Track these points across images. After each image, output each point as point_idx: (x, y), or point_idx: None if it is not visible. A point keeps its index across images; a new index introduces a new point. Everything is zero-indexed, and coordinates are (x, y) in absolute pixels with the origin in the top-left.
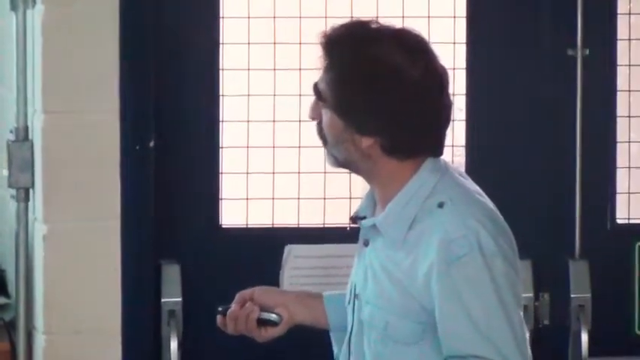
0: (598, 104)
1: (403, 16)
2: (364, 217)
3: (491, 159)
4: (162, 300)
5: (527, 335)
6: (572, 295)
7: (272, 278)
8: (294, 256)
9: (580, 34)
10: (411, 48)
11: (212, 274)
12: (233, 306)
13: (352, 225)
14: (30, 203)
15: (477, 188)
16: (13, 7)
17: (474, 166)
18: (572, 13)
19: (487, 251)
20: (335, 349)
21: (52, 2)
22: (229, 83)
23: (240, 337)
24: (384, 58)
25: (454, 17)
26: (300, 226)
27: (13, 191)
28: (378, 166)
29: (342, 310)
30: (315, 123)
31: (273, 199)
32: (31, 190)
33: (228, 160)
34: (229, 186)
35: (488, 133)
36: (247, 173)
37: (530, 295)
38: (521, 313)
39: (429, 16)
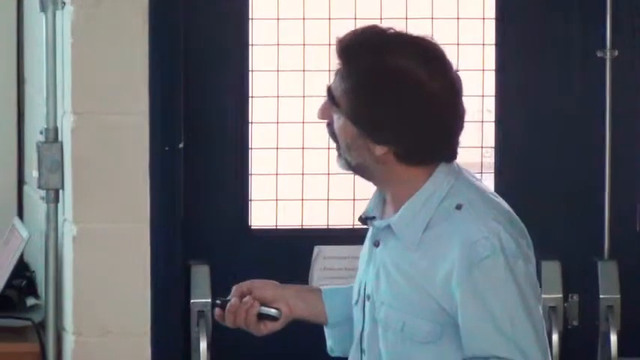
0: (627, 105)
1: (432, 18)
2: (373, 218)
3: (520, 160)
4: (192, 301)
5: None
6: (601, 296)
7: (301, 279)
8: (324, 257)
9: (609, 36)
10: (429, 58)
11: (241, 275)
12: (232, 299)
13: (362, 226)
14: (60, 204)
15: (490, 189)
16: (43, 8)
17: (503, 167)
18: (601, 15)
19: (509, 252)
20: (329, 342)
21: (81, 3)
22: (259, 84)
23: (269, 337)
24: (402, 69)
25: (483, 19)
26: (330, 227)
27: (43, 192)
28: (392, 172)
29: (341, 306)
30: (325, 124)
31: (302, 200)
32: (60, 191)
33: (258, 162)
34: (259, 187)
35: (517, 134)
36: (277, 174)
37: (560, 296)
38: (541, 312)
39: (458, 18)
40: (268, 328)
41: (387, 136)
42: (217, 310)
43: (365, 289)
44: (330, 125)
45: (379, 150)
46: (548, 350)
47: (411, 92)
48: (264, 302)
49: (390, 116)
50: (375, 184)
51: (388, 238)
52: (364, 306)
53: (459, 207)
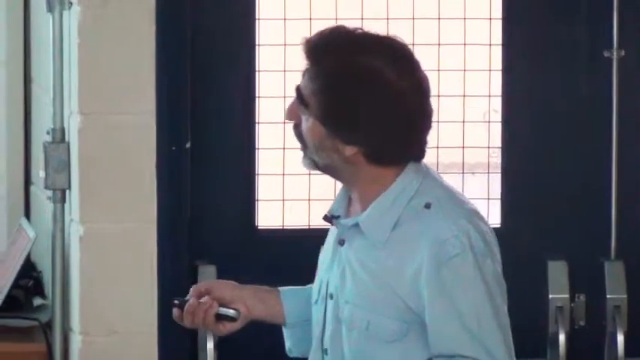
0: (633, 105)
1: (439, 18)
2: (338, 217)
3: (526, 160)
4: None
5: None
6: (607, 296)
7: (308, 279)
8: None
9: (616, 36)
10: (396, 57)
11: (248, 276)
12: (190, 300)
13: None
14: (66, 204)
15: (456, 189)
16: (50, 8)
17: (510, 168)
18: (608, 15)
19: (478, 251)
20: (287, 343)
21: (88, 4)
22: (265, 85)
23: (275, 338)
24: (370, 69)
25: (490, 19)
26: None
27: (50, 192)
28: (360, 172)
29: (299, 306)
30: (292, 125)
31: (309, 200)
32: (67, 192)
33: (264, 162)
34: (265, 187)
35: (523, 134)
36: (283, 175)
37: (567, 296)
38: (506, 312)
39: (464, 18)
40: (227, 328)
41: (357, 136)
42: (176, 311)
43: (327, 288)
44: (297, 126)
45: (348, 150)
46: (513, 350)
47: (380, 92)
48: (222, 302)
49: (359, 116)
50: (343, 183)
51: (354, 237)
52: (326, 305)
53: (427, 206)
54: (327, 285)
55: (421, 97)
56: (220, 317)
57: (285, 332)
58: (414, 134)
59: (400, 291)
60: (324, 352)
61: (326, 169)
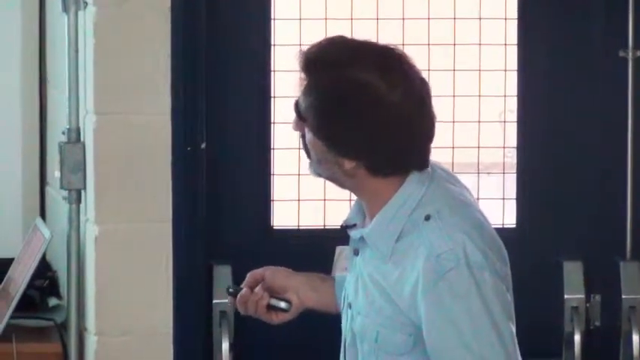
0: None
1: (455, 18)
2: (354, 225)
3: (542, 160)
4: (214, 301)
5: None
6: (623, 296)
7: None
8: (346, 257)
9: (631, 36)
10: (389, 68)
11: None
12: (243, 290)
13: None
14: (82, 205)
15: (465, 193)
16: (65, 8)
17: (526, 168)
18: (624, 15)
19: (474, 264)
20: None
21: (103, 3)
22: (281, 85)
23: (291, 337)
24: (361, 82)
25: (505, 19)
26: None
27: (65, 193)
28: (363, 184)
29: None
30: (299, 135)
31: (324, 200)
32: (82, 192)
33: (280, 162)
34: (281, 187)
35: (539, 134)
36: (299, 175)
37: (582, 296)
38: (513, 327)
39: (480, 18)
40: (279, 318)
41: (354, 150)
42: (230, 298)
43: (347, 297)
44: (303, 137)
45: (348, 164)
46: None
47: (372, 105)
48: (275, 292)
49: (354, 130)
50: (352, 192)
51: (364, 248)
52: (347, 314)
53: (427, 218)
54: (347, 294)
55: (416, 105)
56: (272, 308)
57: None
58: (413, 144)
59: (401, 305)
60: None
61: (330, 180)
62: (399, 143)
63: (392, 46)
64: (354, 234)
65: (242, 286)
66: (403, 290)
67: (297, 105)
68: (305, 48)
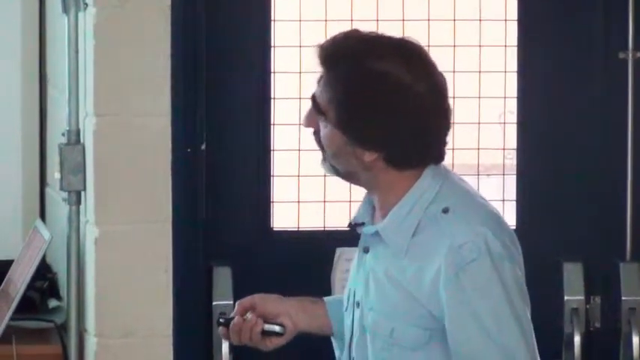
0: None
1: (454, 19)
2: (362, 224)
3: (542, 162)
4: (214, 303)
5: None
6: (623, 298)
7: (323, 281)
8: (346, 259)
9: (631, 37)
10: (412, 61)
11: (263, 277)
12: (235, 317)
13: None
14: (82, 206)
15: (477, 191)
16: (65, 9)
17: (525, 169)
18: (624, 16)
19: (495, 255)
20: (337, 353)
21: (103, 5)
22: (280, 86)
23: (293, 340)
24: (385, 73)
25: (505, 20)
26: None
27: (65, 194)
28: (380, 177)
29: (343, 315)
30: (311, 131)
31: (324, 201)
32: (82, 193)
33: (279, 163)
34: (280, 189)
35: (539, 136)
36: (299, 176)
37: (581, 297)
38: (529, 312)
39: (480, 19)
40: (274, 343)
41: (376, 142)
42: (222, 329)
43: (354, 296)
44: (316, 133)
45: (368, 156)
46: (537, 351)
47: (396, 96)
48: (267, 317)
49: (378, 122)
50: (365, 188)
51: (377, 245)
52: (353, 313)
53: (445, 211)
54: (355, 293)
55: (438, 97)
56: (266, 333)
57: (334, 342)
58: (432, 136)
59: (421, 298)
60: (352, 359)
61: (345, 175)
62: (420, 134)
63: (411, 39)
64: (366, 230)
65: (232, 315)
66: (423, 283)
67: (314, 99)
68: (321, 43)
